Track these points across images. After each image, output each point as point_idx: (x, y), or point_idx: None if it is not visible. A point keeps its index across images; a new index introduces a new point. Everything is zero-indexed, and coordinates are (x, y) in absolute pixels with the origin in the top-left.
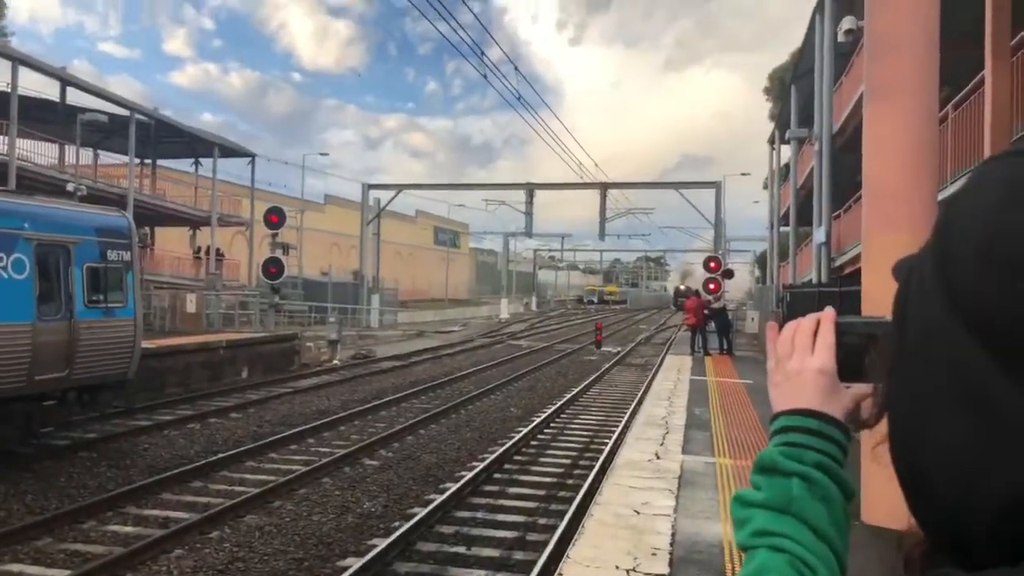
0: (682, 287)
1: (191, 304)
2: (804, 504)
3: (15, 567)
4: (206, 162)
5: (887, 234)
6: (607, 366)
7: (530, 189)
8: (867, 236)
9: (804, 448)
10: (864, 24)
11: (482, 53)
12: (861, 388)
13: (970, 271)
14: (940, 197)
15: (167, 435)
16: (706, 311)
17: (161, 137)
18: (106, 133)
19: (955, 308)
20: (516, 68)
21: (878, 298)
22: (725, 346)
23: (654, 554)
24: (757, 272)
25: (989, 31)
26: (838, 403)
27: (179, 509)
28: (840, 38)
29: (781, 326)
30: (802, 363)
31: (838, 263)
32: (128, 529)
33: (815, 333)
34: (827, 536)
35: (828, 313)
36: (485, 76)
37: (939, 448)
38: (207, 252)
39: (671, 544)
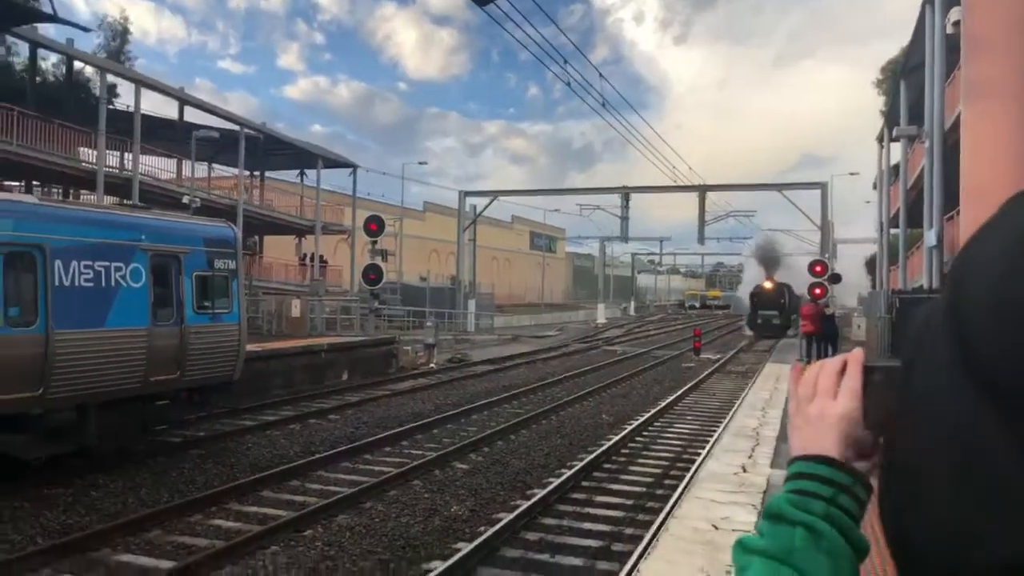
0: (767, 285)
1: (296, 309)
2: (806, 556)
3: (126, 557)
4: (311, 173)
5: None
6: (705, 374)
7: (625, 193)
8: (965, 239)
9: (813, 497)
10: (960, 21)
11: (565, 61)
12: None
13: (980, 323)
14: None
15: (269, 435)
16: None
17: (269, 150)
18: (219, 148)
19: (964, 363)
20: (600, 75)
21: None
22: (830, 354)
23: (728, 572)
24: (867, 276)
25: None
26: None
27: (277, 507)
28: (949, 30)
29: (890, 336)
30: (823, 407)
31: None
32: (230, 524)
33: (841, 375)
34: None
35: (856, 355)
36: (568, 84)
37: (934, 508)
38: (311, 259)
39: None
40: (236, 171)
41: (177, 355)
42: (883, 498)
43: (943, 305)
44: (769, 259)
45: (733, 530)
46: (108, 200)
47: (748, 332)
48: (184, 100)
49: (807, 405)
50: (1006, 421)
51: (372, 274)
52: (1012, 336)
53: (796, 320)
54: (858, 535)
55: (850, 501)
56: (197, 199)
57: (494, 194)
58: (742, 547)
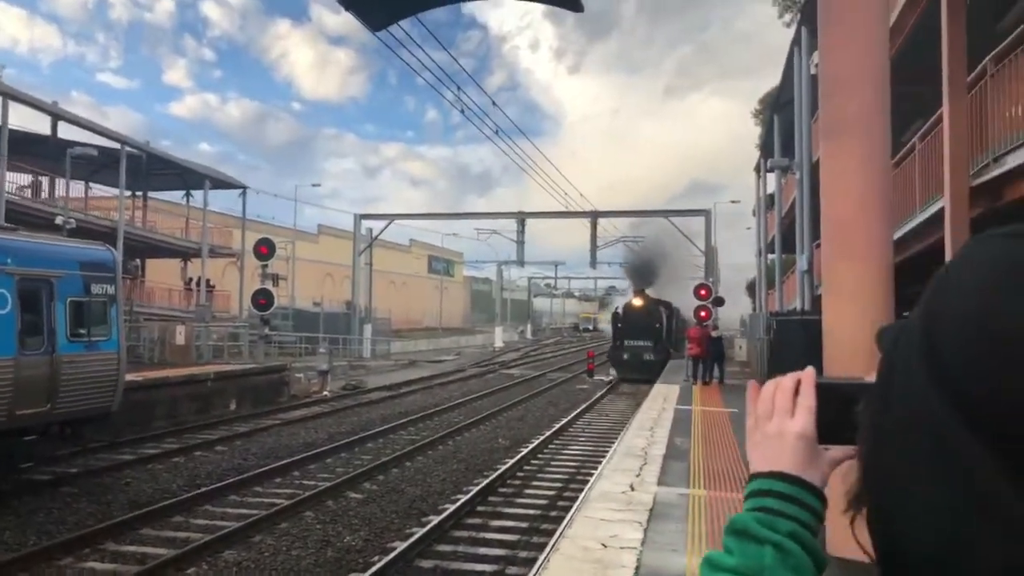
0: (636, 303)
1: (180, 336)
2: (776, 574)
3: None
4: (198, 194)
5: (844, 262)
6: (598, 395)
7: (521, 219)
8: (826, 264)
9: (779, 515)
10: (818, 63)
11: (459, 88)
12: (839, 451)
13: (957, 347)
14: (908, 226)
15: (150, 469)
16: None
17: (153, 169)
18: (97, 166)
19: (940, 382)
20: (494, 103)
21: (836, 323)
22: (716, 374)
23: None
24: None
25: (946, 68)
26: (817, 468)
27: (158, 545)
28: (813, 71)
29: (768, 356)
30: (782, 425)
31: (819, 290)
32: (105, 566)
33: (796, 393)
34: None
35: (808, 373)
36: (463, 111)
37: (920, 523)
38: (197, 283)
39: None
40: (116, 191)
41: (48, 386)
42: (870, 511)
43: (918, 327)
44: (642, 268)
45: (621, 547)
46: None
47: (611, 373)
48: (57, 115)
49: (765, 423)
50: (984, 436)
51: (262, 299)
52: (988, 360)
53: (681, 346)
54: (818, 550)
55: (810, 516)
56: (72, 220)
57: (391, 217)
58: (711, 565)
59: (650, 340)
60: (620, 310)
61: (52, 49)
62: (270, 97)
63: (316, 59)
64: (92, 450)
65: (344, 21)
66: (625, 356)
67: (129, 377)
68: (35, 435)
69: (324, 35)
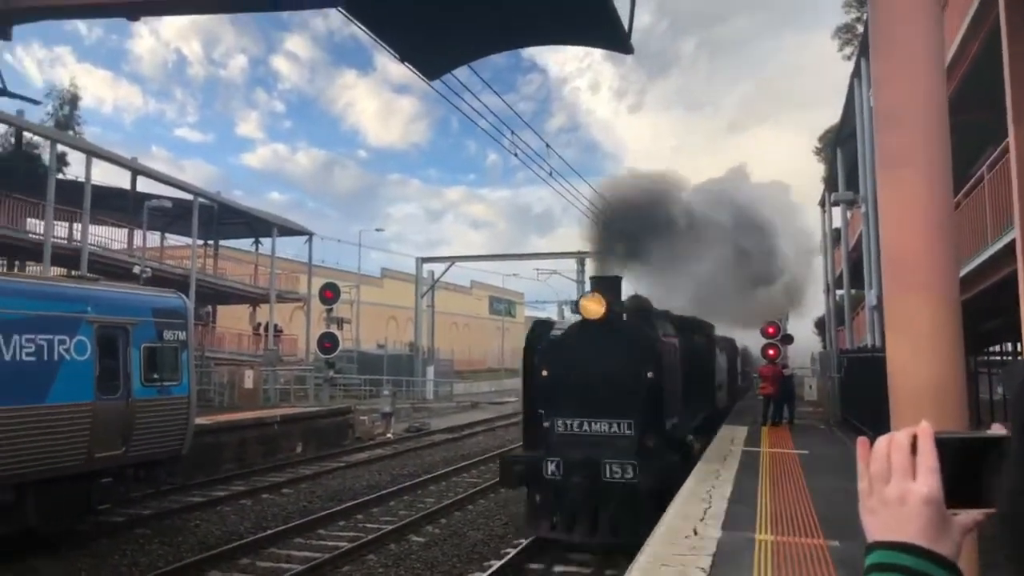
0: (591, 306)
1: (249, 380)
2: None
3: None
4: (267, 241)
5: (906, 297)
6: None
7: (581, 258)
8: (888, 300)
9: None
10: (873, 96)
11: (512, 132)
12: (969, 517)
13: None
14: (979, 259)
15: (219, 511)
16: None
17: (223, 219)
18: (172, 218)
19: None
20: (548, 145)
21: (899, 361)
22: (786, 415)
23: None
24: (818, 336)
25: (1009, 96)
26: (947, 538)
27: None
28: (872, 103)
29: (842, 391)
30: (904, 489)
31: None
32: None
33: (913, 449)
34: None
35: (925, 428)
36: (516, 155)
37: None
38: (266, 328)
39: None
40: (189, 240)
41: (123, 430)
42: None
43: None
44: (620, 223)
45: None
46: (56, 271)
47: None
48: (136, 170)
49: (882, 486)
50: None
51: (327, 342)
52: None
53: (742, 396)
54: None
55: None
56: (148, 269)
57: (451, 259)
58: None
59: (627, 418)
60: (550, 336)
61: (134, 107)
62: (337, 145)
63: (381, 107)
64: (164, 493)
65: (407, 70)
66: (551, 467)
67: (199, 420)
68: (110, 477)
69: (388, 84)
